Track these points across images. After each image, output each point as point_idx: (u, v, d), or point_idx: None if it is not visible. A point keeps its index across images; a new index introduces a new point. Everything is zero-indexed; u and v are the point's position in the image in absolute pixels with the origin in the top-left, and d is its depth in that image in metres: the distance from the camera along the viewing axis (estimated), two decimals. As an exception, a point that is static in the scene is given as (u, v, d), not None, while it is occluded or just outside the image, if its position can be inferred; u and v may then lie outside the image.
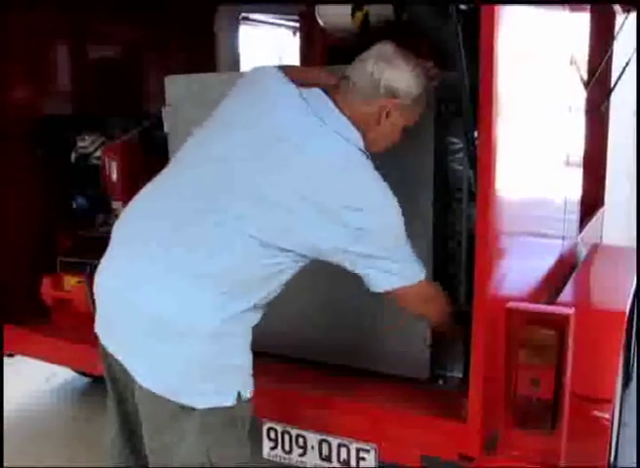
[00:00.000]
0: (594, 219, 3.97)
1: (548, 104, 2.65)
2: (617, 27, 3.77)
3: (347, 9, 2.61)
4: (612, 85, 3.89)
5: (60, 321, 3.25)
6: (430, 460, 2.20)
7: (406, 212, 2.33)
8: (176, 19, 3.94)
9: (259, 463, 2.24)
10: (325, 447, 2.34)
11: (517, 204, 2.24)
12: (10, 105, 3.23)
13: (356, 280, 2.45)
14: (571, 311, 2.00)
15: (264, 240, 1.81)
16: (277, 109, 1.91)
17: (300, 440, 2.38)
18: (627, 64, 3.63)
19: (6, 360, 3.24)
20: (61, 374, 4.20)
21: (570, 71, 2.92)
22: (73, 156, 3.37)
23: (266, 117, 1.90)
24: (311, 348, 2.58)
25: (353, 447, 2.29)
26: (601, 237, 4.35)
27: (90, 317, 2.01)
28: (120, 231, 1.95)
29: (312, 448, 2.36)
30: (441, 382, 2.45)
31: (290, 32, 5.27)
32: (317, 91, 1.95)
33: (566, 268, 3.08)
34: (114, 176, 3.21)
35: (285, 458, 2.42)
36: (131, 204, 1.99)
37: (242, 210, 1.82)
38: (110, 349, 1.94)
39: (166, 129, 2.81)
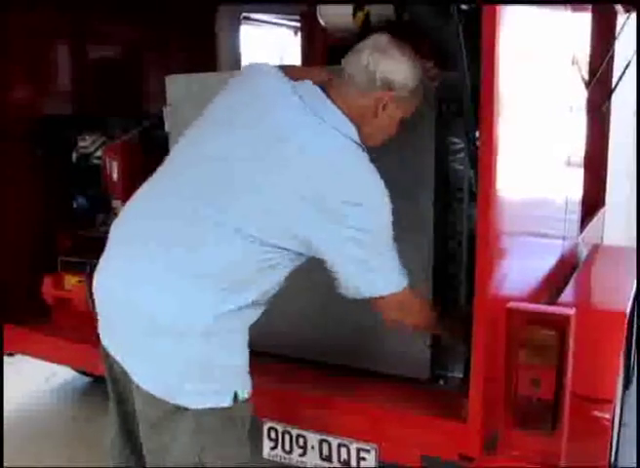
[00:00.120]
0: (595, 220, 3.97)
1: (549, 104, 2.65)
2: (618, 27, 3.77)
3: (349, 9, 2.61)
4: (613, 85, 3.88)
5: (61, 320, 3.25)
6: (430, 460, 2.20)
7: (407, 212, 2.34)
8: (176, 19, 3.94)
9: (258, 463, 2.23)
10: (325, 447, 2.34)
11: (518, 204, 2.23)
12: (10, 105, 3.23)
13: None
14: (572, 311, 2.00)
15: (264, 239, 1.81)
16: (276, 109, 1.90)
17: (301, 440, 2.38)
18: (628, 65, 3.63)
19: (6, 359, 3.24)
20: (62, 374, 4.20)
21: (571, 71, 2.92)
22: (74, 156, 3.37)
23: (266, 117, 1.89)
24: (312, 348, 2.58)
25: (353, 447, 2.29)
26: (602, 237, 4.34)
27: (90, 316, 2.01)
28: (118, 231, 1.95)
29: (312, 447, 2.36)
30: (441, 382, 2.45)
31: (291, 32, 5.27)
32: (312, 87, 1.93)
33: (567, 268, 3.08)
34: (115, 176, 3.21)
35: (285, 458, 2.41)
36: (128, 204, 1.99)
37: (242, 210, 1.82)
38: (110, 349, 1.95)
39: (167, 128, 2.81)
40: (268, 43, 5.44)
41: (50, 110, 3.43)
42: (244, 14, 4.46)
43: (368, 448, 2.27)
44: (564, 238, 3.03)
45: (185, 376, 1.82)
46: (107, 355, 1.97)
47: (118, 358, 1.92)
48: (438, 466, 2.22)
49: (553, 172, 2.83)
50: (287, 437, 2.40)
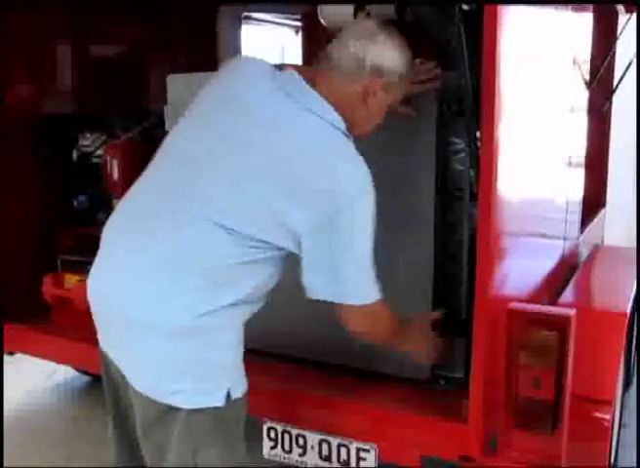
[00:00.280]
0: (595, 220, 3.97)
1: (550, 105, 2.65)
2: (619, 28, 3.76)
3: (350, 9, 2.60)
4: (614, 86, 3.88)
5: (61, 319, 3.25)
6: (430, 461, 2.20)
7: (407, 212, 2.34)
8: (177, 19, 3.94)
9: (256, 463, 2.23)
10: (325, 446, 2.33)
11: (519, 204, 2.23)
12: (11, 104, 3.23)
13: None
14: (572, 312, 2.00)
15: (242, 231, 1.77)
16: (258, 98, 1.87)
17: (301, 439, 2.38)
18: (630, 65, 3.62)
19: (6, 358, 3.24)
20: (62, 373, 4.20)
21: (572, 71, 2.92)
22: (75, 154, 3.37)
23: (247, 107, 1.86)
24: (312, 348, 2.58)
25: (353, 446, 2.29)
26: (602, 238, 4.34)
27: (91, 315, 2.01)
28: (106, 234, 1.94)
29: (312, 447, 2.35)
30: (442, 383, 2.44)
31: (292, 32, 5.27)
32: (294, 75, 1.90)
33: (567, 269, 3.08)
34: (115, 175, 3.21)
35: (285, 458, 2.41)
36: (118, 205, 1.98)
37: (216, 203, 1.79)
38: (105, 349, 1.96)
39: (167, 127, 2.81)
40: (269, 42, 5.44)
41: (51, 109, 3.43)
42: (245, 13, 4.46)
43: (368, 448, 2.27)
44: (564, 238, 3.02)
45: (172, 376, 1.81)
46: (104, 356, 1.97)
47: (113, 358, 1.92)
48: (438, 466, 2.22)
49: (554, 172, 2.83)
50: (287, 437, 2.39)
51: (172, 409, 1.81)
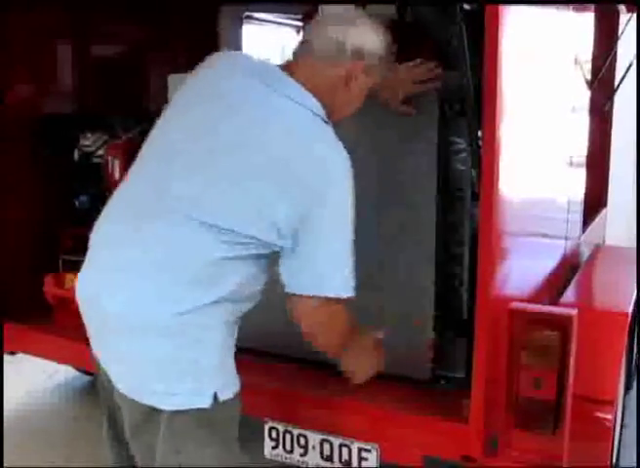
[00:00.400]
0: (597, 220, 3.97)
1: (552, 104, 2.65)
2: (621, 27, 3.76)
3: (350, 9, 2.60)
4: (615, 85, 3.88)
5: (63, 319, 3.24)
6: (432, 461, 2.20)
7: (409, 212, 2.34)
8: (178, 18, 3.94)
9: (254, 464, 2.21)
10: (326, 446, 2.33)
11: (520, 204, 2.23)
12: (12, 104, 3.23)
13: (357, 277, 2.46)
14: (574, 312, 1.99)
15: (220, 225, 1.73)
16: (233, 89, 1.86)
17: (302, 439, 2.37)
18: (630, 66, 3.62)
19: (8, 358, 3.24)
20: (63, 373, 4.20)
21: (573, 71, 2.92)
22: (76, 154, 3.37)
23: (222, 99, 1.85)
24: (311, 348, 2.57)
25: (355, 446, 2.29)
26: (604, 238, 4.34)
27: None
28: (94, 233, 1.93)
29: (314, 447, 2.35)
30: (443, 383, 2.44)
31: (293, 31, 5.26)
32: (268, 64, 1.90)
33: (568, 269, 3.07)
34: (116, 175, 3.21)
35: (286, 458, 2.41)
36: (106, 205, 1.96)
37: (195, 197, 1.76)
38: (95, 352, 1.94)
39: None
40: (271, 42, 5.43)
41: (51, 109, 3.43)
42: (246, 13, 4.46)
43: (369, 448, 2.26)
44: (566, 238, 3.02)
45: (154, 377, 1.78)
46: (96, 357, 1.96)
47: (100, 360, 1.92)
48: (439, 466, 2.22)
49: (555, 172, 2.83)
50: (288, 436, 2.39)
51: (156, 411, 1.79)
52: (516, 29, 2.01)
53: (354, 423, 2.31)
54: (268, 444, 2.43)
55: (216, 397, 1.77)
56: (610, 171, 4.39)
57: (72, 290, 3.18)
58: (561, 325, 1.97)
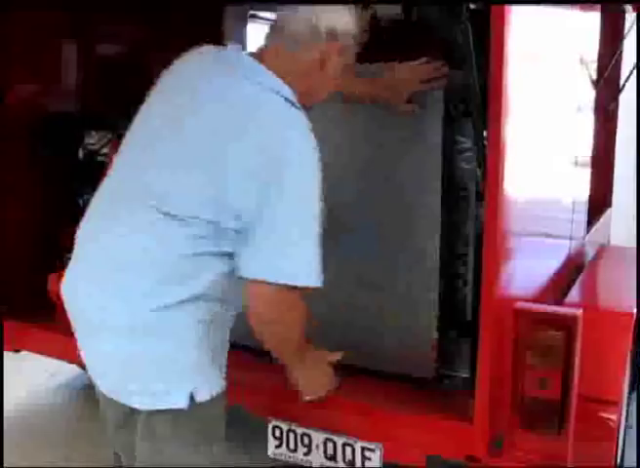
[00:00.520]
0: (602, 220, 3.96)
1: (557, 104, 2.64)
2: (627, 26, 3.75)
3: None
4: (620, 84, 3.87)
5: (66, 318, 3.24)
6: (435, 460, 2.20)
7: (413, 211, 2.34)
8: (183, 17, 3.93)
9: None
10: (330, 446, 2.33)
11: (525, 203, 2.23)
12: (16, 104, 3.23)
13: (361, 277, 2.46)
14: (579, 312, 1.99)
15: (184, 215, 1.70)
16: (202, 76, 1.85)
17: (305, 438, 2.37)
18: (635, 67, 3.62)
19: (10, 356, 3.24)
20: (66, 372, 4.19)
21: (579, 71, 2.91)
22: (81, 153, 3.37)
23: (188, 85, 1.85)
24: (316, 347, 2.57)
25: (358, 446, 2.28)
26: (609, 237, 4.33)
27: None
28: (78, 232, 1.92)
29: (317, 447, 2.35)
30: (447, 382, 2.44)
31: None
32: (236, 51, 1.87)
33: (573, 269, 3.07)
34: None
35: (290, 457, 2.41)
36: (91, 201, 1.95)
37: (162, 189, 1.74)
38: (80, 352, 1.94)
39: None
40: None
41: (56, 108, 3.43)
42: (251, 12, 4.45)
43: (373, 447, 2.26)
44: (570, 238, 3.02)
45: (128, 376, 1.77)
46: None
47: (84, 358, 1.91)
48: (443, 466, 2.21)
49: (560, 171, 2.82)
50: (292, 435, 2.39)
51: (134, 411, 1.79)
52: (522, 29, 2.00)
53: (358, 422, 2.31)
54: (272, 442, 2.42)
55: (192, 397, 1.74)
56: (615, 170, 4.38)
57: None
58: (566, 325, 1.97)
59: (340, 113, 2.38)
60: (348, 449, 2.30)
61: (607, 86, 3.55)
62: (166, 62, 2.03)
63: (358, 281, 2.46)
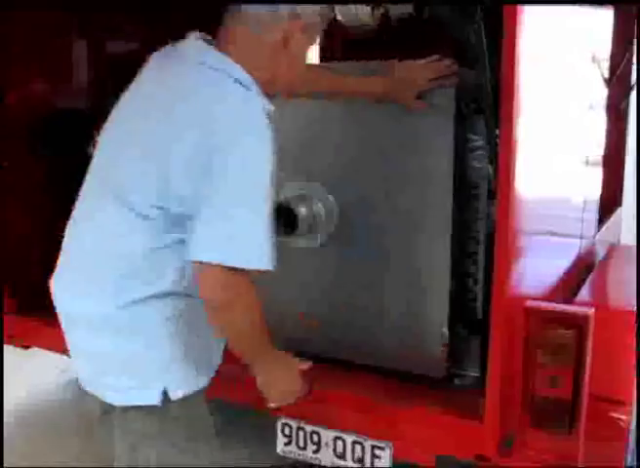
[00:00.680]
0: (612, 219, 3.94)
1: (569, 102, 2.63)
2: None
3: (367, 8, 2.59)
4: (632, 83, 3.85)
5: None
6: (445, 460, 2.19)
7: (424, 210, 2.33)
8: (189, 16, 3.93)
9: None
10: (339, 444, 2.33)
11: (537, 202, 2.22)
12: (28, 101, 3.24)
13: (373, 276, 2.46)
14: (590, 311, 1.98)
15: (140, 208, 1.69)
16: (153, 68, 1.85)
17: (315, 436, 2.37)
18: (636, 65, 3.60)
19: (22, 353, 3.25)
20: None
21: (591, 69, 2.90)
22: (90, 150, 3.37)
23: (145, 82, 1.85)
24: (326, 345, 2.57)
25: (368, 444, 2.28)
26: (619, 236, 4.31)
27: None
28: (67, 227, 1.93)
29: (327, 445, 2.35)
30: (457, 381, 2.44)
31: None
32: (194, 40, 1.82)
33: (583, 268, 3.06)
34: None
35: (299, 455, 2.41)
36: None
37: (120, 182, 1.74)
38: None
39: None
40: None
41: (65, 104, 3.43)
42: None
43: (382, 445, 2.26)
44: (581, 237, 3.00)
45: (102, 370, 1.79)
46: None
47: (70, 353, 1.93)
48: (453, 466, 2.21)
49: (571, 170, 2.81)
50: (301, 433, 2.39)
51: (110, 406, 1.80)
52: (534, 27, 1.99)
53: (368, 421, 2.31)
54: (281, 440, 2.43)
55: (166, 394, 1.73)
56: (625, 169, 4.35)
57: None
58: (577, 323, 1.96)
59: (351, 111, 2.38)
60: (358, 448, 2.30)
61: (619, 84, 3.53)
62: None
63: (369, 280, 2.46)
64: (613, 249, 3.75)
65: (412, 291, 2.40)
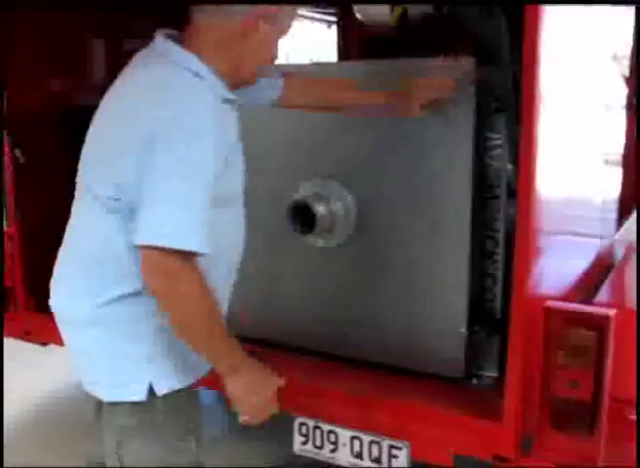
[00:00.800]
0: (631, 219, 3.91)
1: (589, 101, 2.61)
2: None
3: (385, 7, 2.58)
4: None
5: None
6: (463, 460, 2.18)
7: (443, 208, 2.33)
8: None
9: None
10: (356, 443, 2.32)
11: (557, 202, 2.20)
12: (51, 95, 3.26)
13: (391, 276, 2.45)
14: (612, 312, 1.96)
15: (103, 200, 1.70)
16: (127, 68, 1.85)
17: (332, 436, 2.36)
18: (636, 65, 3.56)
19: (39, 349, 3.26)
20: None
21: (611, 67, 2.88)
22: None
23: (117, 83, 1.84)
24: (344, 344, 2.57)
25: (385, 444, 2.27)
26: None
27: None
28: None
29: (344, 444, 2.34)
30: (475, 381, 2.42)
31: (324, 26, 5.24)
32: (161, 40, 1.80)
33: (602, 268, 3.03)
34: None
35: (316, 454, 2.40)
36: None
37: (89, 179, 1.78)
38: None
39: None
40: (301, 37, 5.42)
41: (84, 101, 3.44)
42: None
43: (400, 445, 2.25)
44: (601, 237, 2.98)
45: (88, 367, 1.84)
46: None
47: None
48: (471, 466, 2.20)
49: (591, 169, 2.79)
50: (318, 432, 2.38)
51: (100, 401, 1.84)
52: (555, 27, 1.98)
53: (385, 420, 2.30)
54: (298, 439, 2.42)
55: (151, 390, 1.75)
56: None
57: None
58: (598, 324, 1.94)
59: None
60: (375, 447, 2.29)
61: (639, 83, 3.50)
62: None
63: (389, 280, 2.45)
64: (632, 248, 3.72)
65: (431, 291, 2.39)
